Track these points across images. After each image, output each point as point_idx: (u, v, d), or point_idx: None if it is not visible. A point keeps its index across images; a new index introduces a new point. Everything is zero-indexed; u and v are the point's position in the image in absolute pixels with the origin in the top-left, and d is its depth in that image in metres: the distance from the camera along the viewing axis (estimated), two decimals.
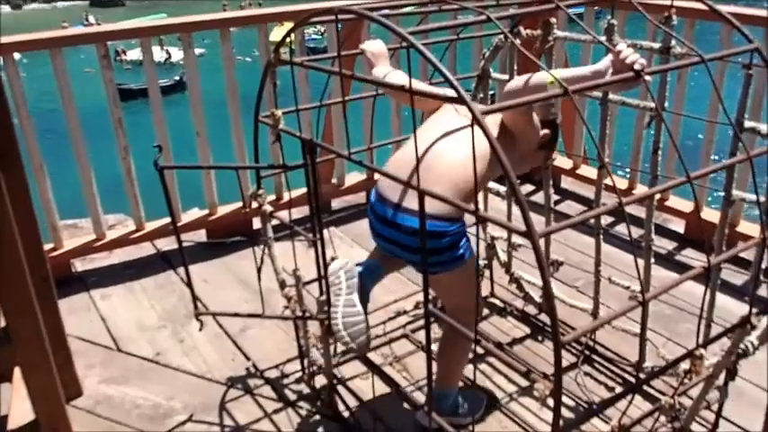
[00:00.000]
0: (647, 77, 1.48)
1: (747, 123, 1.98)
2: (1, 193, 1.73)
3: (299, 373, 2.40)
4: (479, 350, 2.34)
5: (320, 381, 2.32)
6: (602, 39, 1.87)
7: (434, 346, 2.12)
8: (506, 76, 2.49)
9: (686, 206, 3.32)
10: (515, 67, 2.45)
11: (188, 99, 3.21)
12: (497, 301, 2.79)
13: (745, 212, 3.16)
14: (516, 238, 2.64)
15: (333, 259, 2.01)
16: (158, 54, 24.95)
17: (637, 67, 1.48)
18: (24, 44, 2.89)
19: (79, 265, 3.22)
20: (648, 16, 1.80)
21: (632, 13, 2.94)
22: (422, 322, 2.62)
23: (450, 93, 1.32)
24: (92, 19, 37.13)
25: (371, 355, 2.45)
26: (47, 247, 2.82)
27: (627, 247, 3.08)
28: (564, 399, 2.19)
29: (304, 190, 2.05)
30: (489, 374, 2.37)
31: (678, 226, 3.36)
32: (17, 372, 2.07)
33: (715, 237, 2.06)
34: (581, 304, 2.50)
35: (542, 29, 2.30)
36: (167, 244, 3.34)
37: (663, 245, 3.18)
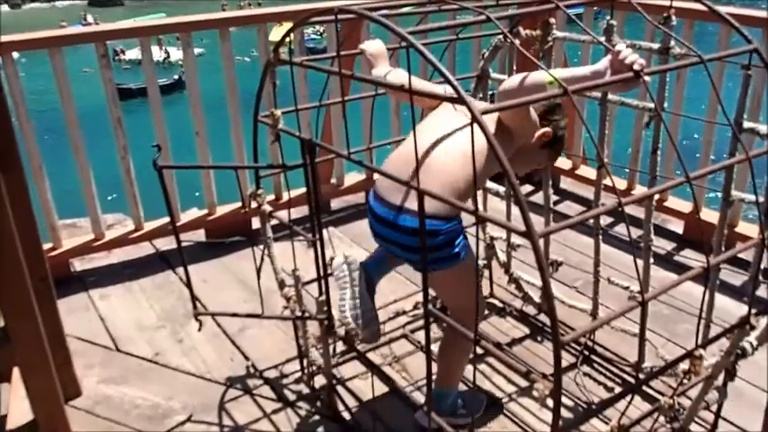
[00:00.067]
0: (647, 78, 1.48)
1: (746, 124, 1.98)
2: (0, 194, 1.73)
3: (299, 374, 2.40)
4: (479, 350, 2.35)
5: (319, 381, 2.32)
6: (602, 39, 1.87)
7: (434, 347, 2.12)
8: (505, 77, 2.49)
9: (685, 207, 3.32)
10: (514, 68, 2.45)
11: (187, 98, 3.21)
12: (496, 302, 2.79)
13: (744, 213, 3.16)
14: (515, 239, 2.65)
15: (332, 259, 2.01)
16: (157, 54, 24.97)
17: (636, 67, 1.48)
18: (23, 43, 2.88)
19: (78, 265, 3.22)
20: (648, 17, 1.80)
21: (631, 13, 2.95)
22: (421, 322, 2.62)
23: (450, 91, 1.32)
24: (90, 18, 37.10)
25: (371, 356, 2.45)
26: (46, 246, 2.81)
27: (626, 248, 3.08)
28: (563, 399, 2.19)
29: (303, 190, 2.05)
30: (489, 375, 2.37)
31: (677, 226, 3.36)
32: (16, 372, 2.07)
33: (714, 237, 2.07)
34: (580, 305, 2.50)
35: (541, 29, 2.30)
36: (166, 244, 3.34)
37: (662, 245, 3.18)
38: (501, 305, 2.77)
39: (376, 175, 2.03)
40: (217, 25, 3.20)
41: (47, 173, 2.94)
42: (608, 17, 2.06)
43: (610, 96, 2.27)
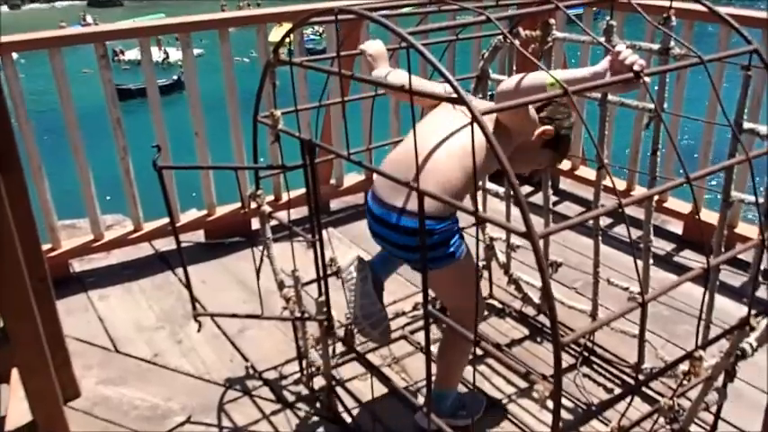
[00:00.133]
0: (647, 78, 1.47)
1: (746, 125, 1.98)
2: (0, 195, 1.73)
3: (298, 375, 2.40)
4: (478, 351, 2.34)
5: (319, 382, 2.32)
6: (601, 40, 1.87)
7: (434, 348, 2.12)
8: (505, 77, 2.49)
9: (685, 207, 3.32)
10: (514, 68, 2.45)
11: (186, 99, 3.21)
12: (496, 303, 2.79)
13: (743, 214, 3.16)
14: (515, 239, 2.64)
15: (332, 260, 2.00)
16: (156, 54, 24.95)
17: (636, 68, 1.48)
18: (23, 44, 2.87)
19: (77, 266, 3.21)
20: (647, 17, 1.79)
21: (631, 14, 2.94)
22: (421, 323, 2.61)
23: (450, 91, 1.32)
24: (89, 19, 37.09)
25: (370, 357, 2.44)
26: (45, 247, 2.80)
27: (626, 249, 3.08)
28: (563, 400, 2.19)
29: (303, 190, 2.05)
30: (488, 376, 2.37)
31: (677, 227, 3.36)
32: (15, 373, 2.07)
33: (714, 238, 2.06)
34: (580, 305, 2.50)
35: (541, 29, 2.30)
36: (165, 244, 3.33)
37: (661, 246, 3.18)
38: (500, 306, 2.77)
39: (374, 175, 2.03)
40: (216, 26, 3.20)
41: (46, 173, 2.94)
42: (608, 18, 2.06)
43: (610, 97, 2.27)
